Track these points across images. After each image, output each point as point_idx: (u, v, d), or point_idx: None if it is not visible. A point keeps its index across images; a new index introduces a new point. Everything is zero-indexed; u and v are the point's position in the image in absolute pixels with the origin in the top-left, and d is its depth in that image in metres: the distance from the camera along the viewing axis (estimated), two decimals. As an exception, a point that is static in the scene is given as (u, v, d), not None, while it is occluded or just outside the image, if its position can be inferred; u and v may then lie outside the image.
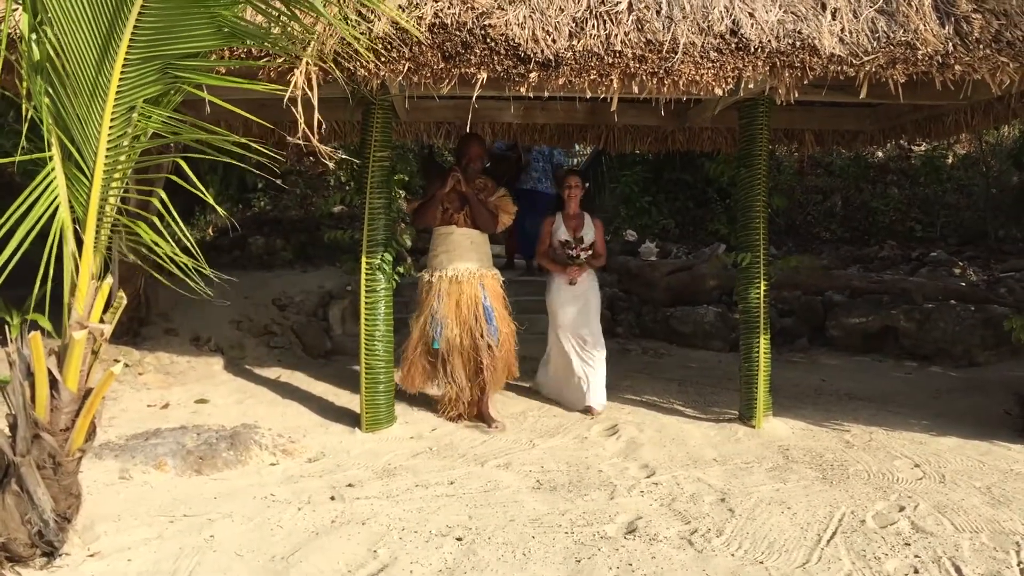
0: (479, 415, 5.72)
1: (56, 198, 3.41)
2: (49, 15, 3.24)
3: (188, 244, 3.49)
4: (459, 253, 5.68)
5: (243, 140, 3.49)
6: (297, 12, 3.51)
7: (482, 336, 5.57)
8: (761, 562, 3.52)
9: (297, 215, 10.93)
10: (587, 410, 5.97)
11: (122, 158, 3.52)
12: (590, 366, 6.07)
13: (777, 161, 12.92)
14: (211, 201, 3.72)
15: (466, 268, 5.64)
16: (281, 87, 3.84)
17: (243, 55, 4.39)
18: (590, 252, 6.11)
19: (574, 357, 6.11)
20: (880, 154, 13.59)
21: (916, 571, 3.43)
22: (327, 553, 3.60)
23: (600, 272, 6.66)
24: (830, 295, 9.32)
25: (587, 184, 6.49)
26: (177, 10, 3.28)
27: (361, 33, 4.16)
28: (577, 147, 12.50)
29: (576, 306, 6.13)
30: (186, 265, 3.49)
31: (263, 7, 3.41)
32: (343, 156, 8.30)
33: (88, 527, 3.67)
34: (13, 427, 3.33)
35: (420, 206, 5.78)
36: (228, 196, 10.62)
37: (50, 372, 3.33)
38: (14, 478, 3.31)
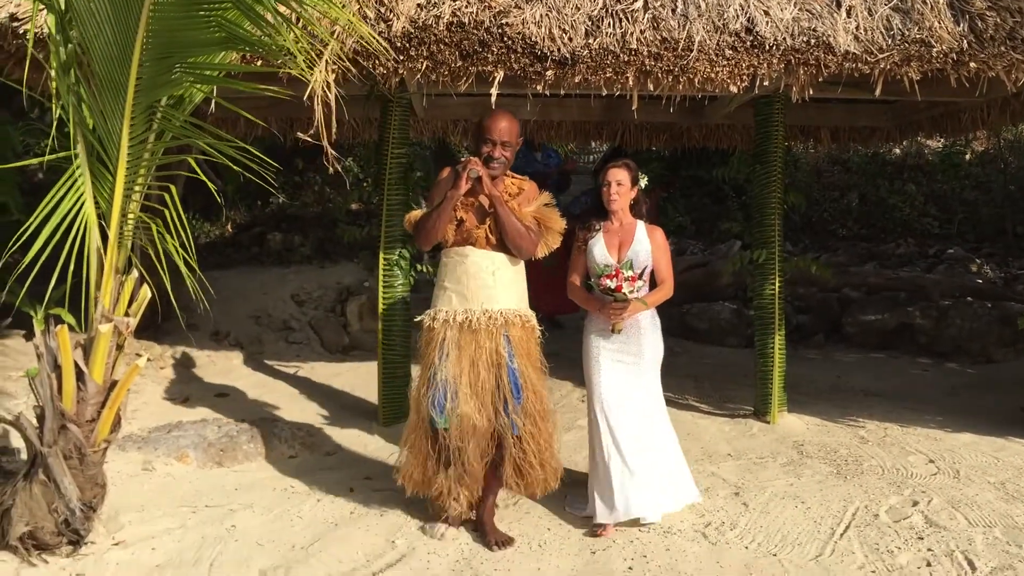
0: (477, 523, 3.86)
1: (82, 194, 3.49)
2: (72, 15, 3.31)
3: (188, 245, 3.56)
4: (475, 287, 3.76)
5: (250, 150, 3.53)
6: (317, 12, 3.55)
7: (503, 414, 3.72)
8: (775, 555, 3.56)
9: (315, 211, 11.01)
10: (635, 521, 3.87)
11: (145, 154, 3.60)
12: (643, 462, 3.93)
13: (794, 158, 12.89)
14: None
15: (485, 310, 3.73)
16: (295, 93, 3.86)
17: (259, 58, 4.43)
18: (642, 284, 4.02)
19: (618, 449, 3.92)
20: (897, 151, 13.53)
21: (929, 564, 3.46)
22: (346, 543, 3.67)
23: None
24: (846, 292, 9.32)
25: (644, 183, 4.17)
26: (180, 12, 3.33)
27: (380, 32, 4.20)
28: (593, 144, 12.54)
29: (623, 368, 4.02)
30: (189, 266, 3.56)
31: (255, 15, 3.30)
32: (346, 163, 8.30)
33: (112, 517, 3.75)
34: (41, 418, 3.42)
35: (424, 217, 3.90)
36: (248, 192, 10.70)
37: (76, 365, 3.41)
38: (41, 468, 3.39)
